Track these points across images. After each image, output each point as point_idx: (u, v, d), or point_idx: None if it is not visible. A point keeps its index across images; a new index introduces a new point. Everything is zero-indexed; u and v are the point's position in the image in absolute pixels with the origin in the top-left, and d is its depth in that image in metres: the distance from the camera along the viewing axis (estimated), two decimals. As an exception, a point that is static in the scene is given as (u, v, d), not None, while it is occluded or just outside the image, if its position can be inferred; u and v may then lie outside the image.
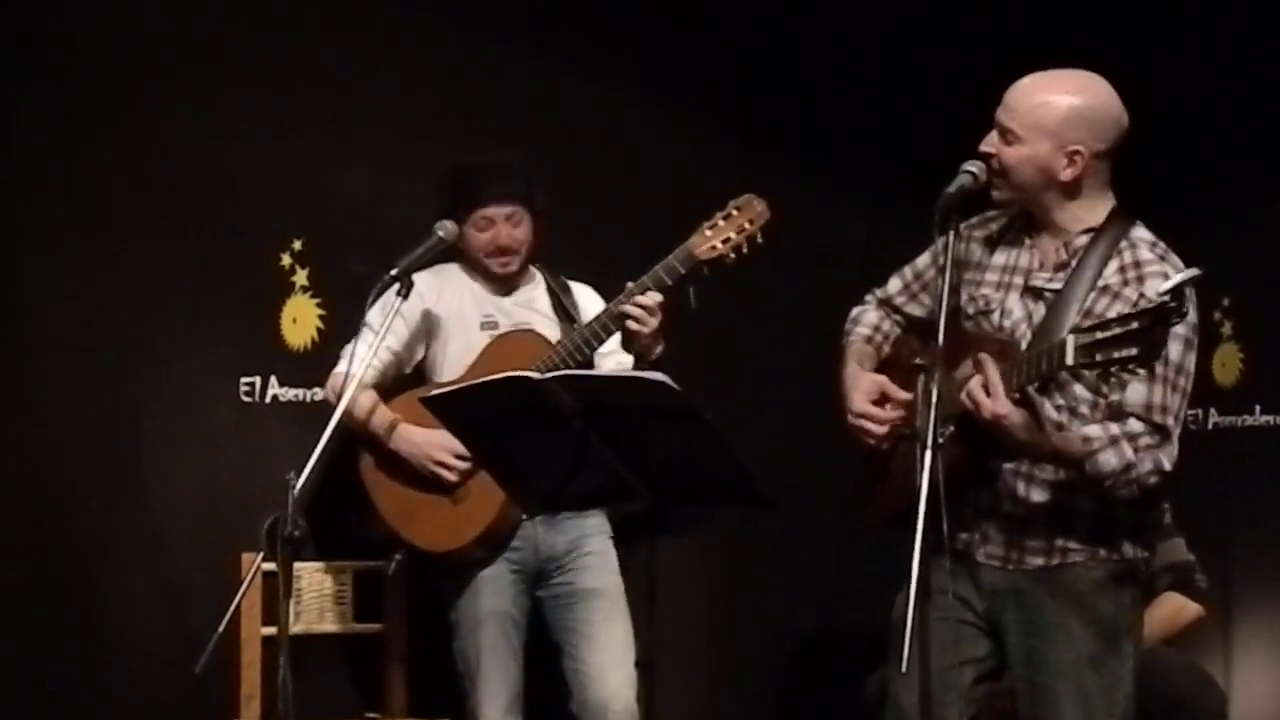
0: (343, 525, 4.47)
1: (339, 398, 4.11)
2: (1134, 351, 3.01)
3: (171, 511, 4.53)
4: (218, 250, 4.58)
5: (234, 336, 4.62)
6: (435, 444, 4.18)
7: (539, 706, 4.32)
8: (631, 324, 4.11)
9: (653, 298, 4.11)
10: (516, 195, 4.28)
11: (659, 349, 4.14)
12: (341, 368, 4.25)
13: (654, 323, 4.10)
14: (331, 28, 4.73)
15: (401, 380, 4.36)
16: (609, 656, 4.21)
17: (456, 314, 4.31)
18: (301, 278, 4.66)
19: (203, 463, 4.56)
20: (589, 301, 4.41)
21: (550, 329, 4.31)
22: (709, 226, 4.15)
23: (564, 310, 4.36)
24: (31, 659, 4.36)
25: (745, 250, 4.15)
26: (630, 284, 4.15)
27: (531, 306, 4.36)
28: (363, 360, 3.96)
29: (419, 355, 4.35)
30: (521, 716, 4.27)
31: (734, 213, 4.16)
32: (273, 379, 4.62)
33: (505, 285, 4.36)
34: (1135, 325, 3.01)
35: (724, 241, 4.14)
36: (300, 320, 4.64)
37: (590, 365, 4.17)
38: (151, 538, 4.50)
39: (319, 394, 4.59)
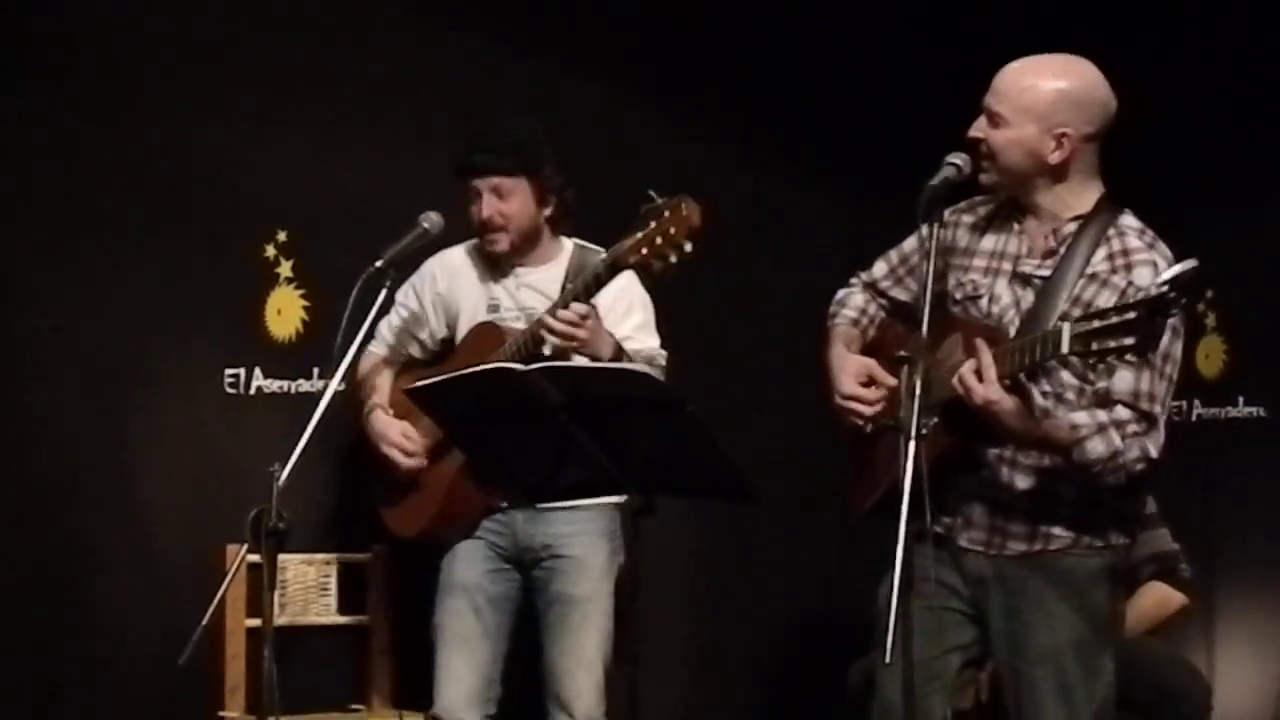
0: (328, 516, 4.48)
1: (362, 379, 4.27)
2: (1130, 341, 3.02)
3: (156, 503, 4.52)
4: (202, 243, 4.58)
5: (218, 328, 4.61)
6: (387, 438, 4.22)
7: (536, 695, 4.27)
8: (555, 340, 3.94)
9: (575, 310, 3.92)
10: (498, 168, 4.13)
11: (606, 351, 3.98)
12: (374, 349, 4.32)
13: (582, 335, 3.92)
14: (315, 23, 4.72)
15: (433, 362, 4.32)
16: (576, 661, 4.14)
17: (466, 297, 4.27)
18: (286, 269, 4.66)
19: (187, 455, 4.56)
20: (613, 283, 4.17)
21: None
22: (638, 229, 3.83)
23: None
24: (16, 652, 4.35)
25: (673, 260, 3.79)
26: (567, 285, 4.03)
27: (539, 289, 4.21)
28: (352, 350, 3.90)
29: (441, 335, 4.32)
30: (493, 709, 4.17)
31: (663, 214, 3.80)
32: (257, 371, 4.62)
33: (513, 265, 4.23)
34: (1133, 315, 3.02)
35: (648, 248, 3.80)
36: (285, 312, 4.64)
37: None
38: (136, 530, 4.50)
39: (304, 385, 4.60)
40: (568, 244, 4.28)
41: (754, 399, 4.94)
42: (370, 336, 4.26)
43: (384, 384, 4.30)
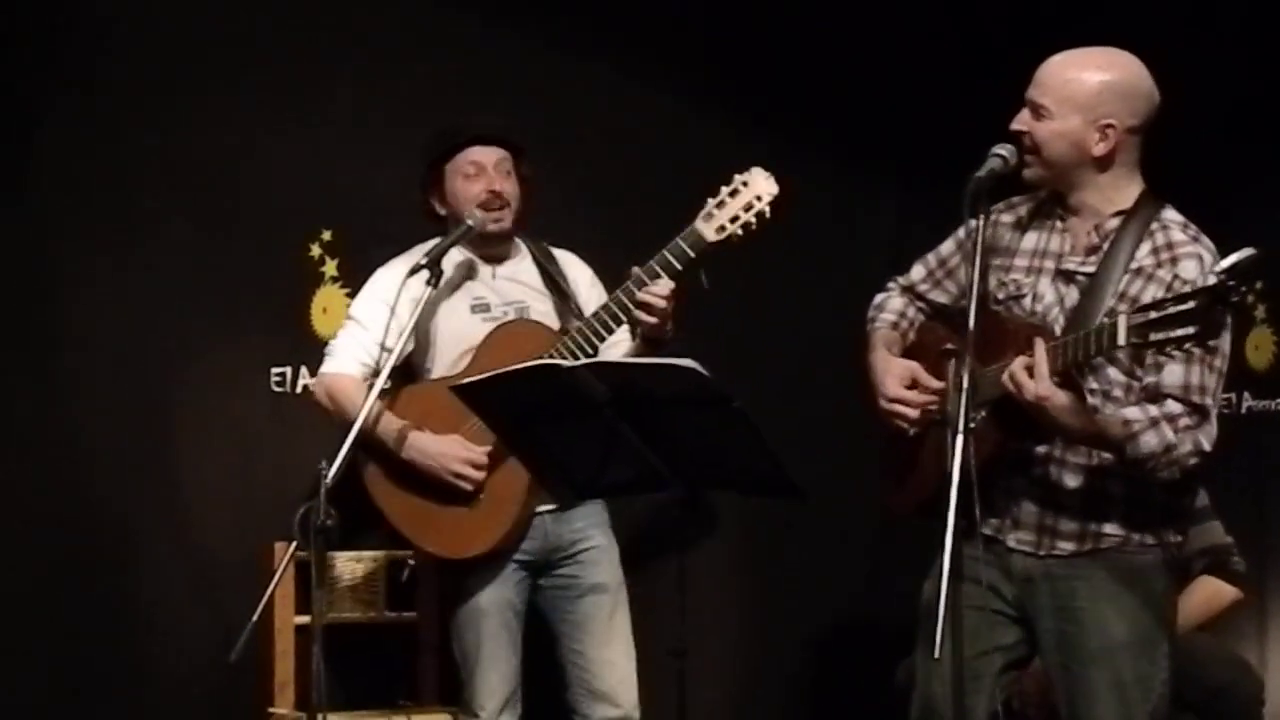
0: (376, 514, 4.49)
1: (344, 403, 4.06)
2: (1191, 331, 3.01)
3: (204, 502, 4.55)
4: (247, 241, 4.61)
5: (264, 327, 4.63)
6: (450, 454, 4.02)
7: (532, 694, 4.23)
8: (643, 314, 3.95)
9: (665, 285, 3.95)
10: (505, 141, 4.13)
11: (669, 329, 3.99)
12: (329, 366, 4.15)
13: (669, 310, 3.96)
14: (359, 20, 4.74)
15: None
16: (616, 651, 4.14)
17: (442, 299, 4.12)
18: (331, 268, 4.68)
19: (234, 453, 4.58)
20: (577, 272, 4.25)
21: (543, 303, 4.17)
22: (716, 205, 3.99)
23: (553, 283, 4.19)
24: (67, 648, 4.39)
25: (754, 228, 3.99)
26: (636, 269, 3.99)
27: (520, 281, 4.19)
28: (389, 364, 3.88)
29: (410, 346, 4.12)
30: (519, 711, 4.16)
31: (740, 188, 4.00)
32: (303, 369, 4.63)
33: (491, 260, 4.18)
34: (1192, 305, 3.00)
35: (732, 220, 3.98)
36: (330, 310, 4.65)
37: (598, 355, 4.01)
38: (184, 528, 4.53)
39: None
40: (517, 239, 4.25)
41: (790, 393, 4.92)
42: (328, 354, 4.18)
43: (378, 405, 3.94)
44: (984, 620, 3.32)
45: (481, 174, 4.13)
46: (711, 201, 4.01)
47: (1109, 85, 3.30)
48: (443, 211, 4.19)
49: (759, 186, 3.99)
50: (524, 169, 4.19)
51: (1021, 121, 3.35)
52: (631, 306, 3.98)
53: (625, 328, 4.07)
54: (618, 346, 4.15)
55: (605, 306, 4.03)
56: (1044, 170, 3.36)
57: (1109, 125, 3.29)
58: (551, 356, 3.93)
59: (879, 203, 5.32)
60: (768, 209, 3.99)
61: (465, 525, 4.08)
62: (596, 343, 4.02)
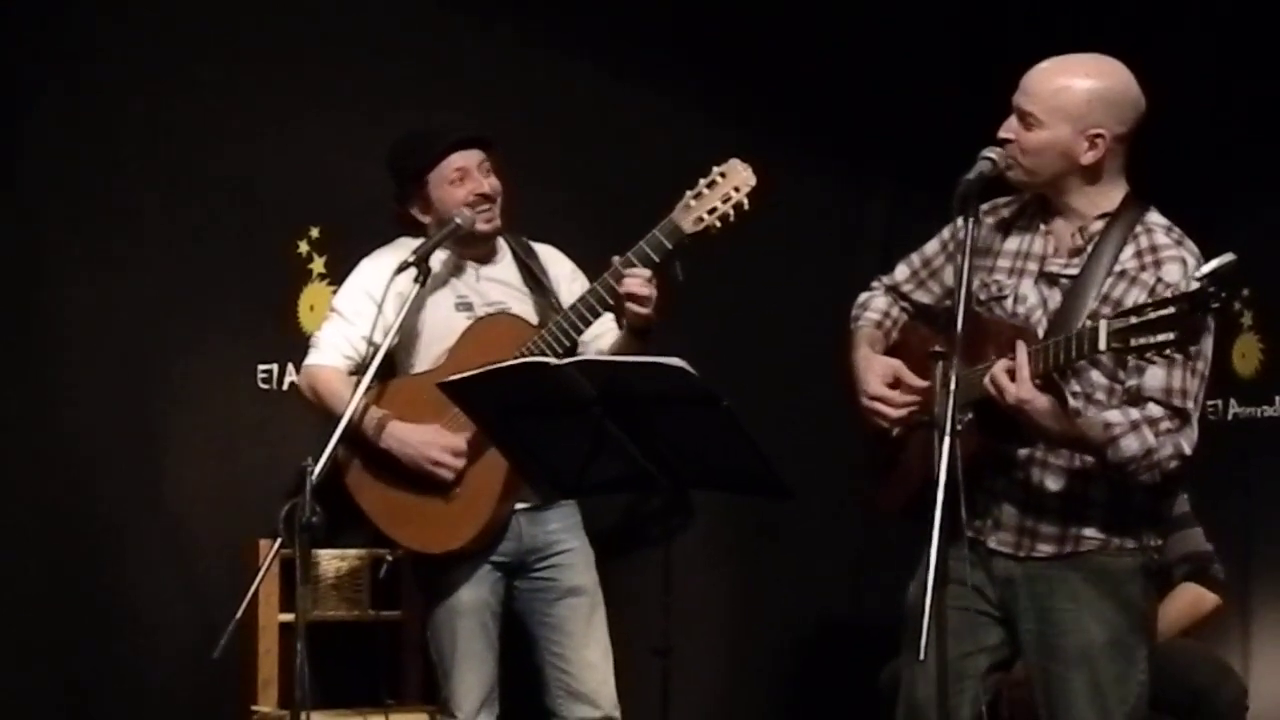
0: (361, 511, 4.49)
1: (326, 394, 4.04)
2: (1171, 336, 3.01)
3: (190, 498, 4.54)
4: (235, 238, 4.60)
5: (251, 324, 4.63)
6: (429, 441, 3.99)
7: (511, 695, 4.21)
8: (633, 305, 3.93)
9: (643, 272, 3.93)
10: (484, 141, 4.13)
11: (653, 319, 3.98)
12: (313, 359, 4.12)
13: (653, 297, 3.95)
14: (347, 17, 4.74)
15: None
16: (595, 653, 4.13)
17: (428, 295, 4.10)
18: (318, 265, 4.68)
19: (221, 450, 4.58)
20: (558, 267, 4.25)
21: (523, 303, 4.16)
22: (693, 196, 3.98)
23: (534, 279, 4.19)
24: (51, 645, 4.38)
25: (731, 219, 3.98)
26: (616, 259, 3.98)
27: (502, 280, 4.19)
28: (375, 361, 3.85)
29: (395, 341, 4.06)
30: (497, 711, 4.15)
31: (718, 180, 3.98)
32: (290, 367, 4.62)
33: (476, 260, 4.18)
34: (1172, 310, 3.01)
35: (710, 211, 3.97)
36: (317, 308, 4.64)
37: (575, 349, 4.00)
38: (170, 524, 4.52)
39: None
40: (499, 237, 4.23)
41: (778, 391, 4.93)
42: (312, 346, 4.15)
43: (359, 395, 3.84)
44: (968, 621, 3.32)
45: (466, 177, 4.13)
46: (689, 193, 3.99)
47: (1098, 93, 3.29)
48: (425, 219, 4.17)
49: (737, 178, 3.98)
50: (497, 161, 4.18)
51: (1009, 129, 3.34)
52: (610, 299, 3.96)
53: (610, 318, 4.05)
54: (603, 338, 4.15)
55: (583, 299, 4.02)
56: (1030, 177, 3.35)
57: (1098, 135, 3.29)
58: (529, 351, 3.93)
59: (868, 202, 5.33)
60: (746, 200, 3.97)
61: (442, 520, 4.05)
62: (574, 335, 4.00)
